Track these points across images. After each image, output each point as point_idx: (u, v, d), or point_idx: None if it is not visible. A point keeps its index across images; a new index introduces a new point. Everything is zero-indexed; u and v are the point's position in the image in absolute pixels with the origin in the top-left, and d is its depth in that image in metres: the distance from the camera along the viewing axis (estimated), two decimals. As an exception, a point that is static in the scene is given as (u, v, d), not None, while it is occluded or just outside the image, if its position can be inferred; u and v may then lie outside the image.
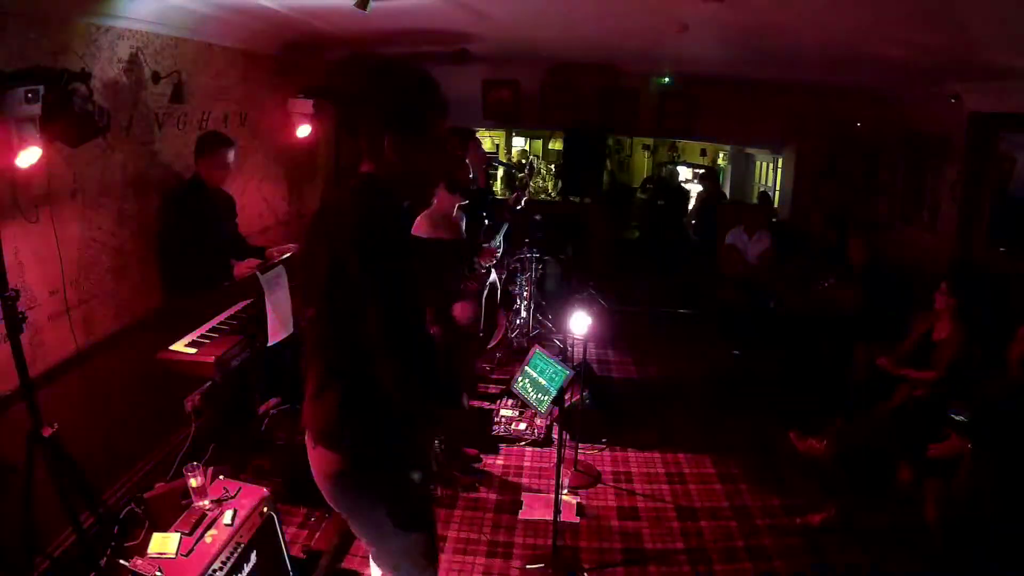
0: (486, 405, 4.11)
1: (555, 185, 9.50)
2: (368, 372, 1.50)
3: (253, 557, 2.13)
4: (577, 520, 3.10)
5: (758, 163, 8.48)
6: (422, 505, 1.76)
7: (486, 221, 3.77)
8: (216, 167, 3.15)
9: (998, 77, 3.37)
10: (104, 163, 2.80)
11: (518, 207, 3.75)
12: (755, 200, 7.74)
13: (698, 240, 7.17)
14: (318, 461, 1.63)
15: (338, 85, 4.72)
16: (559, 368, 2.60)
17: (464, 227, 3.25)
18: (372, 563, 1.98)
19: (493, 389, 4.32)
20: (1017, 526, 2.58)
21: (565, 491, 3.25)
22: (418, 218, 2.96)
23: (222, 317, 2.85)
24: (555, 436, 2.58)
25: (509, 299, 5.11)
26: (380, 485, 1.64)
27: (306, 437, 1.66)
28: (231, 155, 3.19)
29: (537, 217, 4.94)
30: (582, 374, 3.37)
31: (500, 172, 8.80)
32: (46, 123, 2.00)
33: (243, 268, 3.13)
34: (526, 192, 3.83)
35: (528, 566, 2.75)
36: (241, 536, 2.09)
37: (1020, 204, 3.69)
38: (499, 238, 3.89)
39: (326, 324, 1.57)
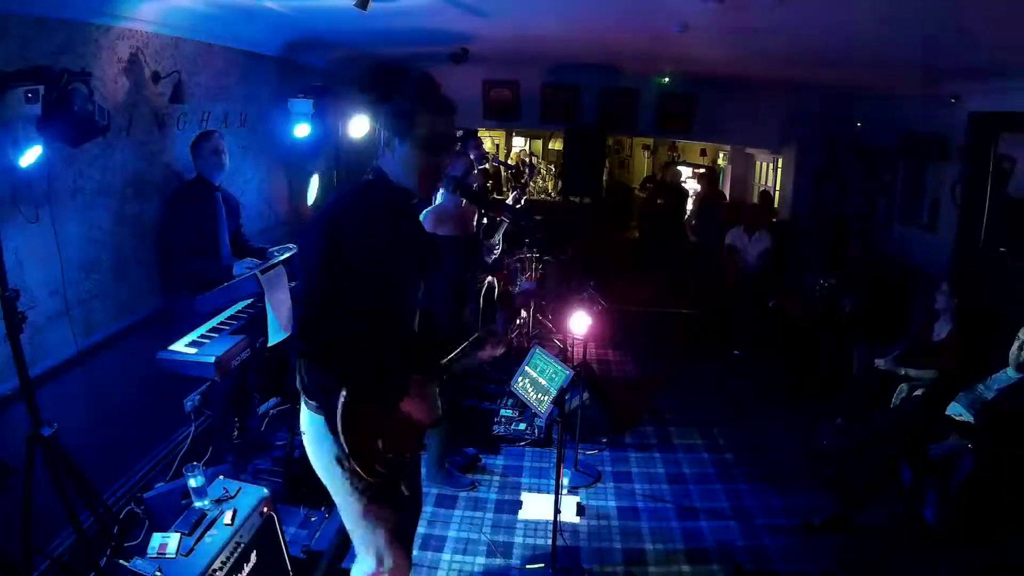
0: (486, 405, 4.11)
1: (555, 185, 9.52)
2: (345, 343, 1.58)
3: (253, 557, 2.12)
4: (577, 520, 3.10)
5: (758, 163, 8.48)
6: (386, 481, 1.76)
7: (484, 220, 3.77)
8: (212, 155, 3.16)
9: (998, 77, 3.36)
10: (104, 163, 2.80)
11: (518, 206, 3.75)
12: (755, 200, 7.74)
13: (698, 240, 7.17)
14: (301, 416, 1.76)
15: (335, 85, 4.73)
16: (559, 368, 2.60)
17: (474, 223, 3.27)
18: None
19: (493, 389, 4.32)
20: (1017, 526, 2.58)
21: (565, 491, 3.25)
22: (423, 213, 2.97)
23: (222, 317, 2.85)
24: (555, 436, 2.57)
25: (509, 299, 5.11)
26: (336, 450, 1.67)
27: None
28: (219, 143, 3.18)
29: (537, 217, 4.93)
30: (582, 374, 3.37)
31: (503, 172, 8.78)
32: (46, 123, 2.00)
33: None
34: (526, 191, 3.83)
35: (528, 566, 2.75)
36: (241, 536, 2.09)
37: (1020, 204, 3.69)
38: (498, 236, 3.90)
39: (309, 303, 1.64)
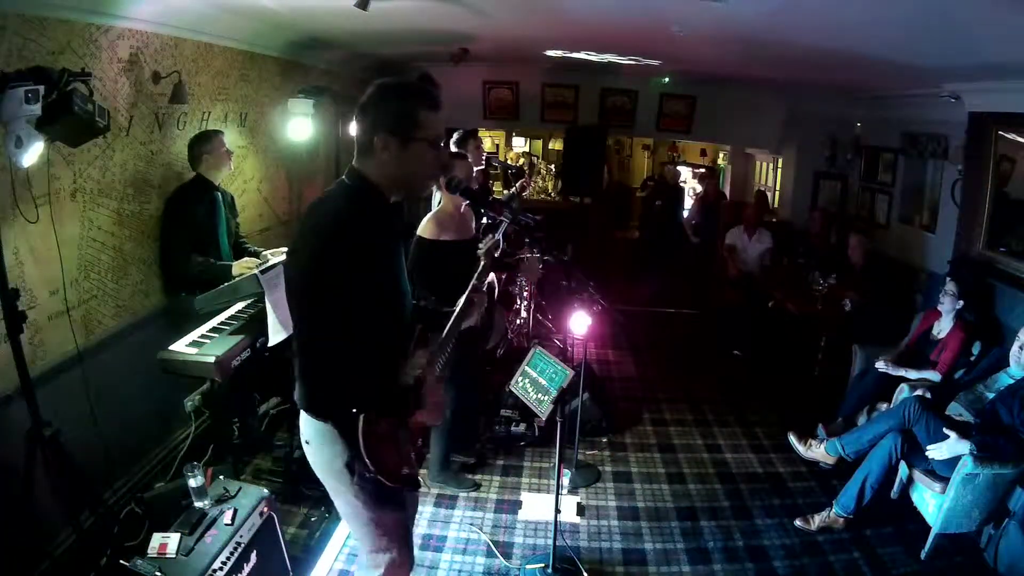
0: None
1: (555, 185, 9.52)
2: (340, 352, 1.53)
3: (253, 557, 2.13)
4: (577, 520, 3.10)
5: (758, 163, 8.48)
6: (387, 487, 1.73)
7: (484, 220, 3.76)
8: (224, 155, 3.20)
9: (998, 77, 3.36)
10: (104, 163, 2.80)
11: (514, 204, 3.75)
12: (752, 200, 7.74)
13: (698, 240, 7.17)
14: (302, 424, 1.71)
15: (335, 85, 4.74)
16: (559, 368, 2.60)
17: (473, 225, 3.26)
18: None
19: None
20: (1012, 525, 2.58)
21: (565, 491, 3.25)
22: (425, 220, 2.96)
23: (222, 317, 2.85)
24: (555, 436, 2.57)
25: (509, 299, 5.10)
26: (347, 457, 1.64)
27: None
28: (225, 141, 3.24)
29: (538, 217, 4.91)
30: (582, 374, 3.37)
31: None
32: (46, 123, 2.00)
33: (241, 267, 3.14)
34: (526, 190, 3.82)
35: (528, 566, 2.75)
36: (241, 536, 2.09)
37: (1020, 204, 3.69)
38: (498, 236, 3.89)
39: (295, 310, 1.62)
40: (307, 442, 1.71)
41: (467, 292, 2.03)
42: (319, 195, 1.69)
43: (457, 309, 2.00)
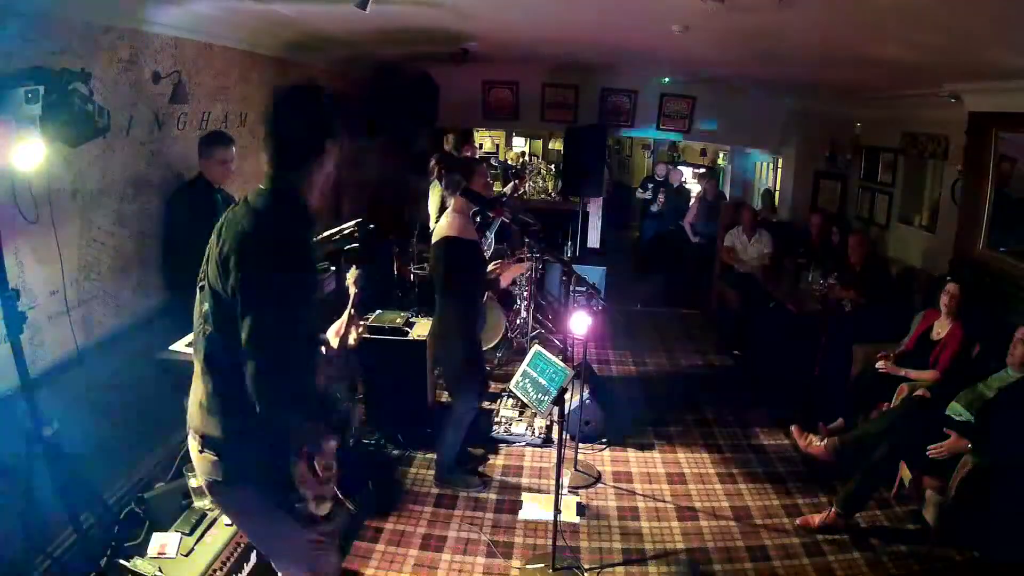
0: (486, 405, 4.10)
1: (555, 185, 9.52)
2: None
3: (253, 557, 2.13)
4: (577, 520, 3.10)
5: (758, 163, 8.48)
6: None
7: (478, 219, 3.78)
8: (219, 165, 3.17)
9: (998, 77, 3.37)
10: (104, 163, 2.80)
11: (514, 196, 3.75)
12: (759, 200, 7.75)
13: (698, 240, 7.18)
14: (201, 465, 1.63)
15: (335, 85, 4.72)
16: (559, 368, 2.60)
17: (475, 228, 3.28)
18: None
19: (494, 389, 4.33)
20: (1015, 526, 2.58)
21: (565, 491, 3.25)
22: (446, 223, 2.97)
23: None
24: (555, 436, 2.58)
25: (509, 299, 5.11)
26: (256, 489, 1.61)
27: (190, 439, 1.67)
28: (232, 152, 3.21)
29: (536, 224, 4.92)
30: (582, 374, 3.38)
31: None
32: (46, 123, 2.00)
33: None
34: (519, 190, 3.83)
35: (528, 566, 2.75)
36: (241, 536, 2.09)
37: (1020, 204, 3.69)
38: (490, 234, 3.90)
39: (211, 323, 1.58)
40: (222, 481, 1.60)
41: (342, 332, 1.86)
42: (246, 207, 1.58)
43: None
